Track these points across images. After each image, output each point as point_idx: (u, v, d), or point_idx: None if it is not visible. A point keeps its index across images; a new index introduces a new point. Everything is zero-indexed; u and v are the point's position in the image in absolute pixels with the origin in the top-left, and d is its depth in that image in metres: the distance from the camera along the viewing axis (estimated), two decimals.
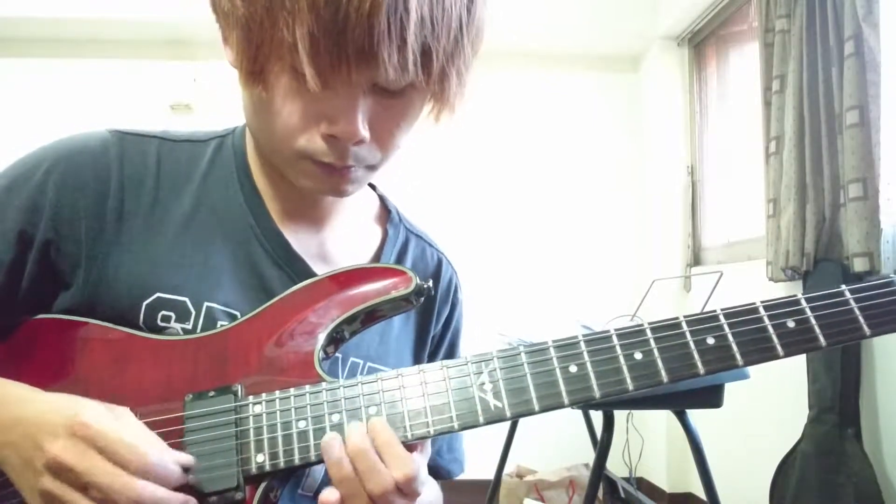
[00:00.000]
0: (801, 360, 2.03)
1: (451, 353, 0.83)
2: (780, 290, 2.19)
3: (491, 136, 3.26)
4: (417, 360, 0.78)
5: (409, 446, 0.55)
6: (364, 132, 0.58)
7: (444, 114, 0.61)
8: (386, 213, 0.80)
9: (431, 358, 0.80)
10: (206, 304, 0.64)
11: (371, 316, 0.65)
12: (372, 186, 0.81)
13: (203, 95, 3.10)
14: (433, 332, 0.80)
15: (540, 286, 3.21)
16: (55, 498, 0.50)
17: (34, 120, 3.04)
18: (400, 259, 0.77)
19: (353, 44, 0.52)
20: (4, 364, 0.60)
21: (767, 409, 2.31)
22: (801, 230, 2.03)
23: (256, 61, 0.56)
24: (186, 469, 0.54)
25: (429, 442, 0.58)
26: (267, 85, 0.57)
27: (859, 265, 1.80)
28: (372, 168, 0.64)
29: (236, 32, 0.56)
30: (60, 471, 0.49)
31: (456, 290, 0.83)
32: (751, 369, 1.55)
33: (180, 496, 0.52)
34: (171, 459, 0.53)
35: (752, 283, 2.35)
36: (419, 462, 0.54)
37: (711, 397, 1.61)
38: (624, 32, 3.21)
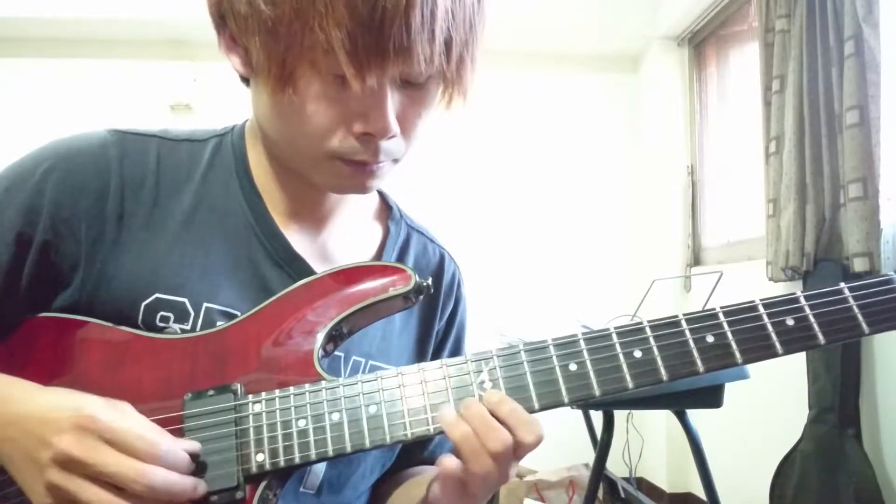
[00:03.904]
0: (801, 359, 2.03)
1: (456, 349, 0.83)
2: (781, 291, 2.19)
3: (491, 136, 3.26)
4: (420, 357, 0.78)
5: None
6: (396, 127, 0.59)
7: (457, 99, 0.62)
8: (387, 210, 0.80)
9: (436, 354, 0.80)
10: (205, 304, 0.64)
11: (370, 314, 0.65)
12: None
13: (203, 95, 3.10)
14: (437, 328, 0.79)
15: (539, 286, 3.21)
16: (63, 491, 0.50)
17: (34, 120, 3.04)
18: (401, 256, 0.77)
19: (391, 39, 0.53)
20: (4, 363, 0.60)
21: (767, 409, 2.31)
22: (801, 230, 2.03)
23: (285, 65, 0.55)
24: (193, 456, 0.54)
25: None
26: (297, 88, 0.57)
27: (859, 265, 1.80)
28: (396, 161, 0.65)
29: (259, 37, 0.55)
30: (69, 464, 0.49)
31: (459, 285, 0.83)
32: (751, 369, 1.55)
33: (191, 479, 0.52)
34: (181, 447, 0.53)
35: (752, 283, 2.35)
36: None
37: (711, 397, 1.60)
38: (624, 32, 3.21)
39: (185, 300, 0.63)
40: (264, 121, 0.65)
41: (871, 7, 1.81)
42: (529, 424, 0.54)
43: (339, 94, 0.57)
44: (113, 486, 0.49)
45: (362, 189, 0.66)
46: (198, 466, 0.55)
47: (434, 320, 0.79)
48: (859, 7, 1.82)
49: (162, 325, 0.62)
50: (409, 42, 0.53)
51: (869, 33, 1.81)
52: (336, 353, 0.67)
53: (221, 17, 0.60)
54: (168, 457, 0.51)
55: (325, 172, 0.63)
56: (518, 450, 0.54)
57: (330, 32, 0.52)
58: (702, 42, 3.10)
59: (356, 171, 0.62)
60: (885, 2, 1.82)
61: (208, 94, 3.07)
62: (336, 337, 0.63)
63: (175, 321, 0.63)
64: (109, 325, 0.62)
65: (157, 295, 0.63)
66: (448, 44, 0.56)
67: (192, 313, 0.63)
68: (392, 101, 0.58)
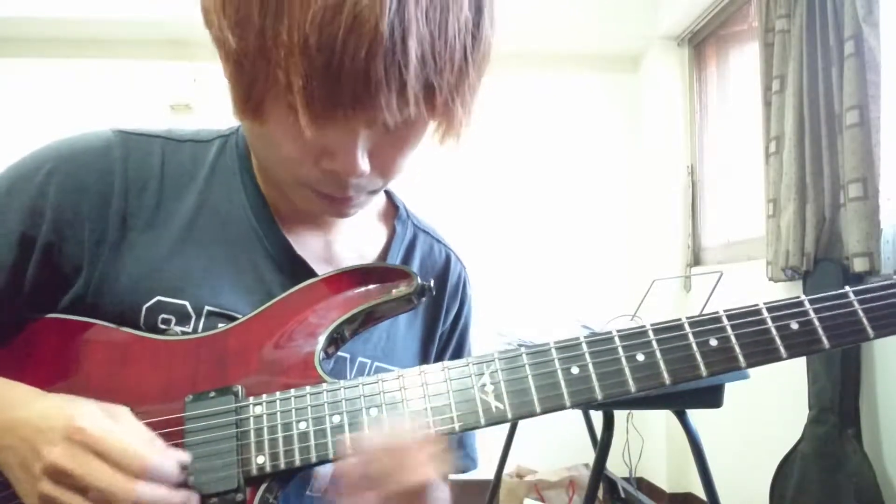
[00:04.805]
0: (801, 360, 2.03)
1: (459, 350, 0.82)
2: (780, 290, 2.19)
3: (491, 136, 3.26)
4: (425, 358, 0.77)
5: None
6: (364, 167, 0.56)
7: (449, 139, 0.58)
8: (393, 210, 0.79)
9: (440, 355, 0.79)
10: (206, 307, 0.63)
11: (372, 316, 0.64)
12: None
13: (203, 95, 3.10)
14: (441, 330, 0.79)
15: (539, 286, 3.21)
16: (54, 502, 0.50)
17: (34, 120, 3.04)
18: (407, 256, 0.76)
19: (348, 92, 0.49)
20: (7, 364, 0.60)
21: (767, 409, 2.31)
22: (801, 230, 2.03)
23: (250, 97, 0.53)
24: (185, 467, 0.54)
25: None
26: (263, 119, 0.54)
27: (859, 265, 1.80)
28: (374, 192, 0.63)
29: (227, 65, 0.53)
30: (59, 476, 0.50)
31: (465, 287, 0.82)
32: (751, 370, 1.55)
33: (182, 494, 0.52)
34: (170, 460, 0.53)
35: (752, 284, 2.35)
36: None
37: (711, 397, 1.60)
38: (624, 32, 3.21)
39: (187, 303, 0.63)
40: (245, 137, 0.65)
41: (871, 7, 1.81)
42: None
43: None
44: (104, 500, 0.50)
45: (339, 216, 0.64)
46: (198, 468, 0.54)
47: (439, 321, 0.78)
48: (859, 7, 1.82)
49: (163, 327, 0.62)
50: (369, 96, 0.49)
51: (869, 33, 1.81)
52: (341, 354, 0.67)
53: (207, 28, 0.59)
54: (155, 471, 0.51)
55: (300, 197, 0.62)
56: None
57: (289, 77, 0.49)
58: (702, 42, 3.10)
59: (327, 202, 0.61)
60: (885, 2, 1.82)
61: (208, 94, 3.07)
62: (338, 339, 0.63)
63: (176, 324, 0.62)
64: (113, 326, 0.61)
65: (159, 297, 0.62)
66: (428, 89, 0.51)
67: (194, 316, 0.63)
68: (363, 140, 0.54)
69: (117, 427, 0.52)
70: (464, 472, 0.81)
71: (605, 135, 3.37)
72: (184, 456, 0.54)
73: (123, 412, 0.54)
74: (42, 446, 0.50)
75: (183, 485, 0.53)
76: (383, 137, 0.56)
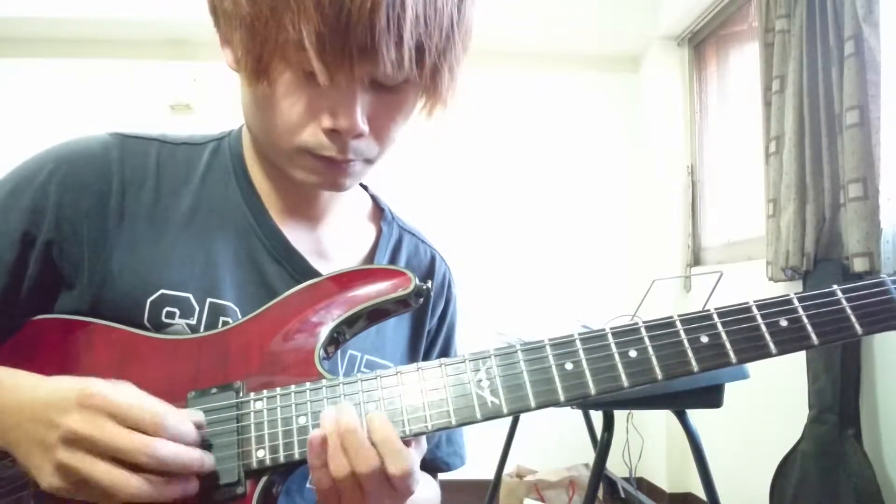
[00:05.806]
0: (801, 359, 2.04)
1: (446, 346, 0.84)
2: (781, 291, 2.19)
3: (491, 135, 3.27)
4: (413, 352, 0.79)
5: (404, 442, 0.55)
6: (363, 126, 0.60)
7: (437, 108, 0.64)
8: (379, 212, 0.82)
9: (428, 351, 0.82)
10: (209, 299, 0.65)
11: (371, 316, 0.66)
12: (364, 187, 0.83)
13: (203, 95, 3.10)
14: (428, 326, 0.81)
15: (539, 286, 3.21)
16: (71, 469, 0.50)
17: (34, 120, 3.04)
18: (394, 255, 0.79)
19: (355, 40, 0.54)
20: (9, 363, 0.61)
21: (767, 409, 2.31)
22: (801, 230, 2.04)
23: (261, 59, 0.57)
24: (199, 427, 0.55)
25: (423, 438, 0.59)
26: (271, 81, 0.59)
27: (859, 265, 1.80)
28: (369, 162, 0.66)
29: (240, 32, 0.57)
30: (76, 442, 0.50)
31: (450, 286, 0.85)
32: (751, 370, 1.55)
33: (198, 451, 0.53)
34: (186, 418, 0.54)
35: (752, 283, 2.35)
36: (415, 458, 0.55)
37: (711, 397, 1.61)
38: (624, 32, 3.21)
39: (190, 295, 0.65)
40: (246, 114, 0.67)
41: (871, 7, 1.81)
42: (397, 453, 0.53)
43: (310, 90, 0.59)
44: (121, 462, 0.50)
45: (335, 186, 0.66)
46: (207, 427, 0.55)
47: (425, 318, 0.80)
48: (859, 7, 1.82)
49: (168, 320, 0.64)
50: (373, 44, 0.54)
51: (869, 33, 1.81)
52: (334, 354, 0.68)
53: (215, 14, 0.62)
54: (173, 428, 0.52)
55: (298, 167, 0.64)
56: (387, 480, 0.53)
57: (301, 30, 0.54)
58: (702, 42, 3.10)
59: (326, 167, 0.63)
60: (885, 2, 1.82)
61: (208, 94, 3.08)
62: (337, 339, 0.64)
63: (181, 316, 0.64)
64: (114, 325, 0.63)
65: (163, 291, 0.64)
66: (420, 50, 0.57)
67: (197, 308, 0.65)
68: (363, 102, 0.60)
69: (129, 391, 0.53)
70: (453, 468, 0.82)
71: (605, 135, 3.37)
72: (197, 415, 0.55)
73: (129, 385, 0.54)
74: (56, 416, 0.51)
75: (199, 445, 0.54)
76: (379, 102, 0.61)
